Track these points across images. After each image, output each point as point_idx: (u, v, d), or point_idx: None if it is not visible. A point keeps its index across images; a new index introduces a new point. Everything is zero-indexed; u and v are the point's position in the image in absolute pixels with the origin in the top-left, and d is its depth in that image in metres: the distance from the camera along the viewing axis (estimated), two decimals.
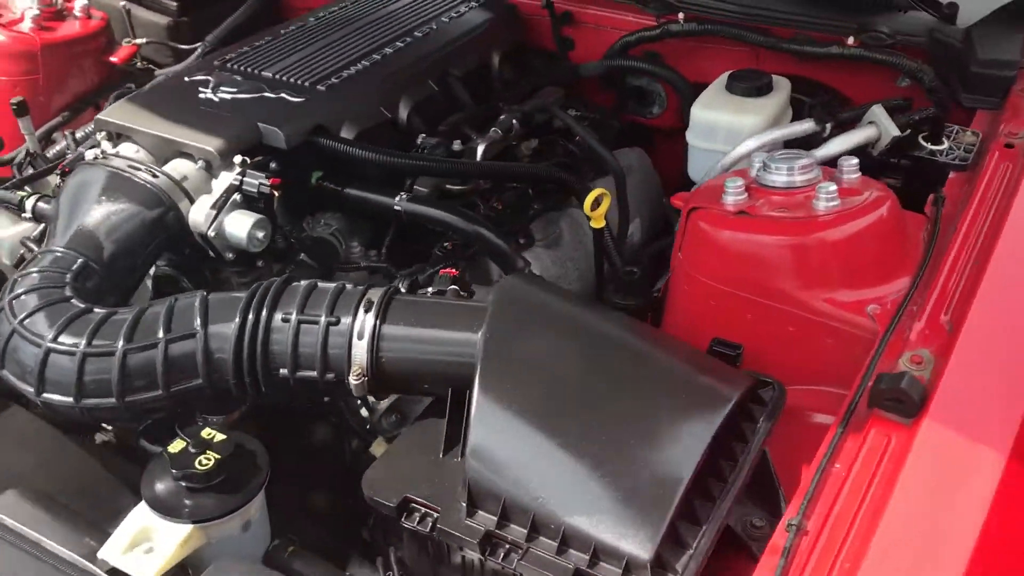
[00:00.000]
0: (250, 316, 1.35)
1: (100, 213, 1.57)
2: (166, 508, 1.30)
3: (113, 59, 2.46)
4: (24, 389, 1.39)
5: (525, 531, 1.18)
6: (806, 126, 1.79)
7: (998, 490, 1.12)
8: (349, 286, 1.39)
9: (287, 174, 1.66)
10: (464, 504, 1.22)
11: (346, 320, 1.34)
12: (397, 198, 1.69)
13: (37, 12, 2.38)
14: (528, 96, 2.13)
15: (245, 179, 1.57)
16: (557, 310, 1.37)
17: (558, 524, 1.16)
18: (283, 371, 1.36)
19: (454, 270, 1.51)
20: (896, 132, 1.74)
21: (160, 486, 1.32)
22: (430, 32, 2.13)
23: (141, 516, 1.31)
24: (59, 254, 1.50)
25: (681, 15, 2.11)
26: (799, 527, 1.15)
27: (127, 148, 1.68)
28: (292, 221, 1.72)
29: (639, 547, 1.13)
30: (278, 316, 1.35)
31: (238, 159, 1.61)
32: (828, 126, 1.79)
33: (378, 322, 1.34)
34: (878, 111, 1.77)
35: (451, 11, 2.22)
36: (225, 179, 1.60)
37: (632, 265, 1.79)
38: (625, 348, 1.35)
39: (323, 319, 1.34)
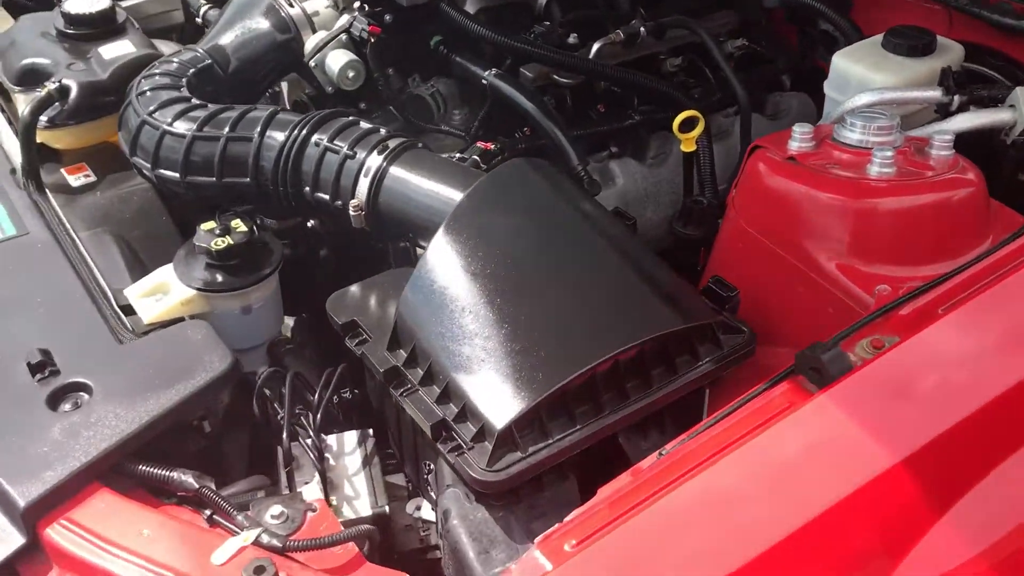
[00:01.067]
0: (293, 133, 1.53)
1: (240, 28, 1.82)
2: (182, 272, 1.54)
3: None
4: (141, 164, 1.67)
5: (420, 374, 1.28)
6: (931, 93, 1.62)
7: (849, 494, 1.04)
8: (383, 130, 1.53)
9: (406, 30, 1.81)
10: (387, 339, 1.34)
11: (361, 156, 1.48)
12: (487, 72, 1.77)
13: None
14: (698, 14, 2.08)
15: (354, 22, 1.74)
16: (541, 196, 1.41)
17: (445, 376, 1.25)
18: (307, 188, 1.54)
19: (490, 144, 1.59)
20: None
21: (186, 254, 1.57)
22: None
23: (165, 273, 1.56)
24: (195, 54, 1.76)
25: None
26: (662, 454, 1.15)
27: None
28: (403, 77, 1.87)
29: (496, 416, 1.19)
30: (313, 139, 1.52)
31: (357, 3, 1.78)
32: (956, 98, 1.61)
33: (384, 164, 1.46)
34: (1021, 94, 1.56)
35: None
36: (345, 20, 1.77)
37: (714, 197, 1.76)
38: (590, 249, 1.37)
39: (343, 150, 1.49)
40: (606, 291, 1.33)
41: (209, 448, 1.42)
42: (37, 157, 1.76)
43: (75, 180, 1.80)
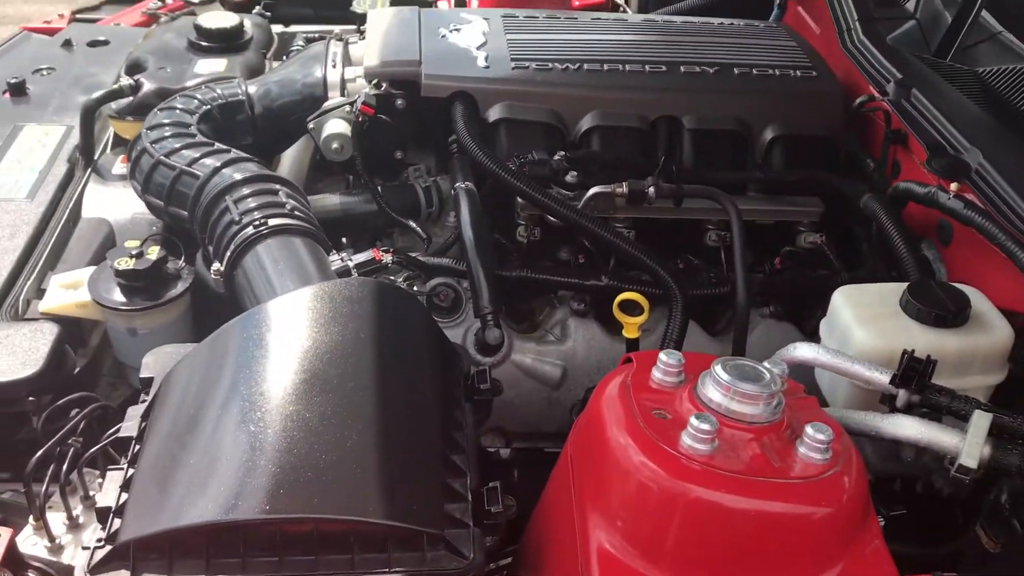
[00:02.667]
0: (211, 182, 1.58)
1: (284, 74, 1.90)
2: (94, 277, 1.64)
3: (575, 2, 2.66)
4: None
5: (130, 455, 1.25)
6: (876, 375, 1.25)
7: None
8: (287, 205, 1.52)
9: (420, 119, 1.77)
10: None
11: (243, 223, 1.49)
12: (462, 182, 1.66)
13: None
14: (780, 193, 1.80)
15: (361, 97, 1.72)
16: (351, 324, 1.29)
17: (135, 467, 1.21)
18: (205, 239, 1.57)
19: (380, 255, 1.50)
20: (973, 463, 1.12)
21: (110, 258, 1.66)
22: (724, 67, 1.89)
23: (86, 273, 1.67)
24: (231, 89, 1.86)
25: (954, 185, 1.53)
26: None
27: (357, 45, 1.94)
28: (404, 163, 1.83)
29: (127, 526, 1.13)
30: (226, 197, 1.55)
31: (375, 81, 1.76)
32: (905, 395, 1.22)
33: (251, 240, 1.46)
34: (977, 421, 1.14)
35: (770, 63, 1.92)
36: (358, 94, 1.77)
37: None
38: (351, 395, 1.22)
39: (234, 215, 1.51)
40: (330, 444, 1.19)
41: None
42: (92, 138, 1.97)
43: (118, 168, 1.98)
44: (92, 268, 1.68)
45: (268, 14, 2.53)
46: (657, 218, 1.75)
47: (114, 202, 1.91)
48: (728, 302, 1.67)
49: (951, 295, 1.40)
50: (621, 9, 2.69)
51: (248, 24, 2.21)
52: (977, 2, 1.97)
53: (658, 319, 1.67)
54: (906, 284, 1.43)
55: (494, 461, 1.75)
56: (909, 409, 1.25)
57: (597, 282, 1.65)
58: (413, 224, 1.73)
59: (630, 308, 1.54)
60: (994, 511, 1.23)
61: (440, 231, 1.82)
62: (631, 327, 1.54)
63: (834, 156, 1.86)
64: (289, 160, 2.02)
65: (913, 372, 1.23)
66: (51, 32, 2.52)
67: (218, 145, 1.69)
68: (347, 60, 1.92)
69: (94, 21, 2.63)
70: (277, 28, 2.50)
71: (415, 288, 1.63)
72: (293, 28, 2.51)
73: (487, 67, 1.82)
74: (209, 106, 1.82)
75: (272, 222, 1.48)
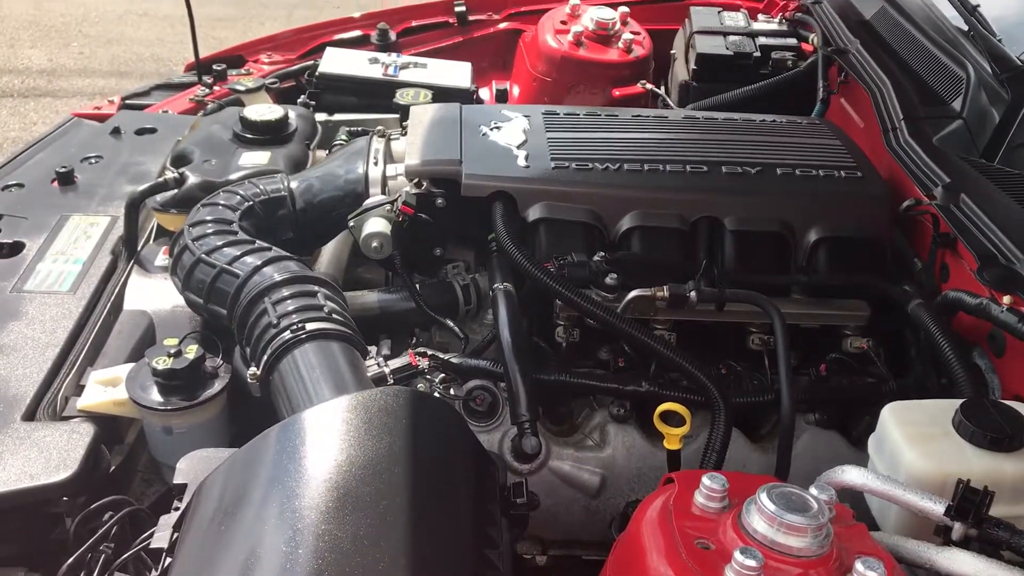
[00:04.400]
0: (251, 283, 1.58)
1: (327, 170, 1.91)
2: (132, 375, 1.64)
3: (616, 92, 2.67)
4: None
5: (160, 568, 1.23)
6: (929, 505, 1.19)
7: None
8: (326, 308, 1.51)
9: (461, 215, 1.78)
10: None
11: (282, 326, 1.48)
12: (501, 283, 1.65)
13: (582, 28, 2.71)
14: (819, 293, 1.77)
15: (401, 197, 1.73)
16: (384, 437, 1.26)
17: None
18: (243, 341, 1.57)
19: (417, 360, 1.49)
20: None
21: (148, 357, 1.66)
22: (767, 167, 1.87)
23: (125, 370, 1.67)
24: (274, 185, 1.87)
25: (1007, 299, 1.48)
26: None
27: (399, 141, 1.95)
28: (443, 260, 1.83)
29: None
30: (265, 298, 1.55)
31: (415, 180, 1.77)
32: (959, 527, 1.16)
33: (289, 345, 1.45)
34: None
35: (814, 163, 1.90)
36: (400, 192, 1.77)
37: None
38: (372, 518, 1.20)
39: (272, 317, 1.51)
40: (361, 567, 1.15)
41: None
42: (135, 230, 1.99)
43: (160, 260, 2.00)
44: (131, 365, 1.68)
45: (312, 103, 2.57)
46: (699, 320, 1.72)
47: (156, 294, 1.92)
48: (772, 409, 1.63)
49: (1007, 416, 1.34)
50: (660, 100, 2.69)
51: (292, 115, 2.24)
52: None
53: (700, 425, 1.64)
54: (958, 402, 1.38)
55: (530, 567, 1.71)
56: (966, 543, 1.19)
57: (637, 388, 1.62)
58: (451, 323, 1.72)
59: (672, 418, 1.50)
60: None
61: (478, 328, 1.81)
62: (672, 439, 1.50)
63: (881, 258, 1.82)
64: (330, 251, 2.03)
65: (970, 504, 1.18)
66: (101, 118, 2.57)
67: (259, 243, 1.70)
68: (389, 156, 1.94)
69: (143, 107, 2.69)
70: (321, 116, 2.54)
71: (451, 391, 1.61)
72: (337, 117, 2.54)
73: (527, 166, 1.81)
74: (251, 202, 1.83)
75: (309, 326, 1.47)
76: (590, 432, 1.68)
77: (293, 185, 1.88)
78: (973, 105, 1.98)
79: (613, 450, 1.65)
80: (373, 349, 1.64)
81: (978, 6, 2.37)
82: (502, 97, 2.65)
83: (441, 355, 1.60)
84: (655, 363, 1.64)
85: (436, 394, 1.59)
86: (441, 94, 2.47)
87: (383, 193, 1.84)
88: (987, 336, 1.63)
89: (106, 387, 1.67)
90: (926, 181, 1.78)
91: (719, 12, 2.80)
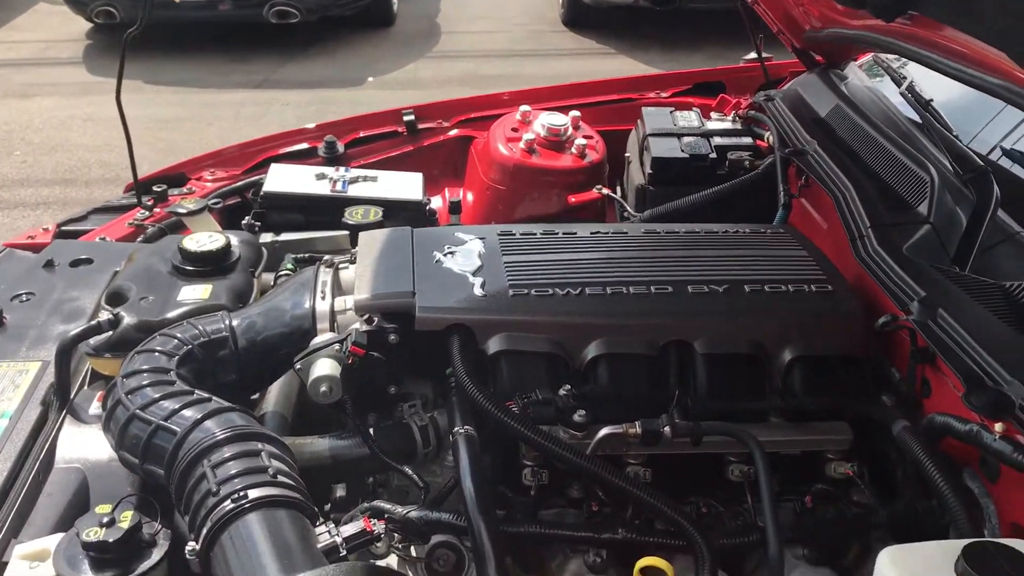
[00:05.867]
0: (187, 444, 1.45)
1: (270, 306, 1.80)
2: (61, 548, 1.48)
3: (571, 199, 2.61)
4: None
5: None
6: None
7: None
8: (270, 470, 1.38)
9: (416, 349, 1.68)
10: None
11: (222, 494, 1.35)
12: (457, 426, 1.54)
13: (534, 135, 2.66)
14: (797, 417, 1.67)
15: (351, 336, 1.62)
16: None
17: None
18: (182, 507, 1.43)
19: (372, 525, 1.36)
20: None
21: (79, 527, 1.51)
22: (734, 284, 1.80)
23: (53, 542, 1.52)
24: (215, 326, 1.74)
25: (999, 426, 1.40)
26: None
27: (348, 270, 1.85)
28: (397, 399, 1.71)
29: None
30: (203, 460, 1.42)
31: (366, 316, 1.66)
32: None
33: (231, 516, 1.32)
34: None
35: (782, 277, 1.82)
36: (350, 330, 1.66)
37: None
38: None
39: (212, 484, 1.38)
40: None
41: None
42: (68, 378, 1.85)
43: (95, 408, 1.86)
44: (60, 535, 1.53)
45: (258, 224, 2.46)
46: (674, 454, 1.62)
47: (90, 445, 1.76)
48: (757, 548, 1.52)
49: (1012, 560, 1.25)
50: (617, 205, 2.63)
51: (235, 242, 2.13)
52: (992, 203, 1.91)
53: (683, 569, 1.52)
54: (959, 544, 1.28)
55: None
56: None
57: (614, 535, 1.51)
58: (408, 471, 1.60)
59: (654, 573, 1.39)
60: None
61: (440, 470, 1.69)
62: None
63: (860, 376, 1.74)
64: (278, 387, 1.90)
65: None
66: (35, 248, 2.44)
67: (198, 394, 1.57)
68: (337, 288, 1.83)
69: (79, 234, 2.57)
70: (267, 237, 2.44)
71: (412, 551, 1.48)
72: (284, 237, 2.44)
73: (484, 295, 1.72)
74: (190, 345, 1.70)
75: (252, 494, 1.34)
76: None
77: (235, 323, 1.76)
78: (940, 208, 1.94)
79: None
80: (328, 505, 1.52)
81: (931, 100, 2.36)
82: (455, 208, 2.57)
83: (398, 512, 1.47)
84: (632, 506, 1.53)
85: (395, 556, 1.46)
86: (392, 208, 2.39)
87: (331, 329, 1.73)
88: (979, 460, 1.54)
89: (32, 562, 1.51)
90: (900, 295, 1.71)
91: (671, 112, 2.76)
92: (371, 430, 1.64)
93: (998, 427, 1.41)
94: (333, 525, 1.38)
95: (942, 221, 1.91)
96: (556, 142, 2.68)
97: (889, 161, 2.12)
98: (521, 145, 2.67)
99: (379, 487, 1.71)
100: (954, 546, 1.30)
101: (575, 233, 1.97)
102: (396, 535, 1.48)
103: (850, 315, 1.75)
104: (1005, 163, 2.13)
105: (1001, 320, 1.61)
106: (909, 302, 1.67)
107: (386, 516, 1.44)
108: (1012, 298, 1.66)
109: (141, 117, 6.33)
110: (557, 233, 1.96)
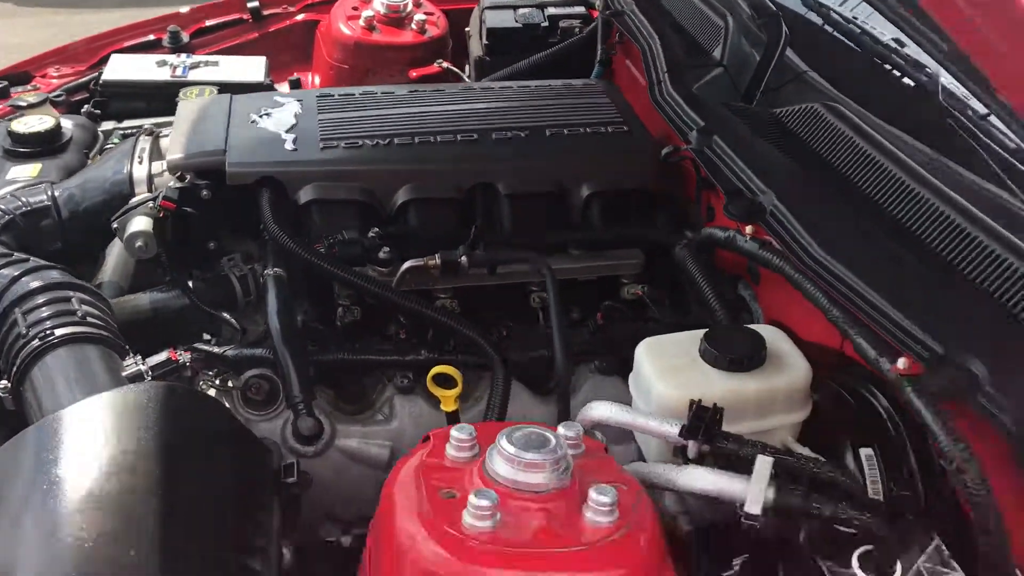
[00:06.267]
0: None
1: (90, 174, 1.87)
2: None
3: (413, 73, 2.68)
4: None
5: None
6: (666, 428, 1.24)
7: None
8: (79, 312, 1.47)
9: (232, 206, 1.76)
10: None
11: (31, 335, 1.45)
12: (271, 268, 1.65)
13: (374, 12, 2.71)
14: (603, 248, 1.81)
15: (162, 191, 1.70)
16: (134, 430, 1.24)
17: None
18: None
19: (177, 354, 1.47)
20: (757, 509, 1.12)
21: None
22: (536, 130, 1.91)
23: None
24: (37, 196, 1.81)
25: (749, 228, 1.55)
26: None
27: (167, 138, 1.91)
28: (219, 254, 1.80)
29: None
30: (16, 309, 1.50)
31: (179, 173, 1.73)
32: (693, 445, 1.22)
33: (38, 353, 1.41)
34: (761, 465, 1.14)
35: (583, 122, 1.95)
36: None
37: None
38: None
39: (22, 327, 1.46)
40: (105, 562, 1.13)
41: None
42: None
43: None
44: None
45: (98, 112, 2.48)
46: (479, 285, 1.74)
47: None
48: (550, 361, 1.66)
49: (745, 338, 1.41)
50: (459, 78, 2.71)
51: (68, 124, 2.16)
52: (780, 43, 2.03)
53: (486, 386, 1.66)
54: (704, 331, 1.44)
55: (336, 549, 1.70)
56: (701, 459, 1.25)
57: (416, 356, 1.63)
58: (226, 316, 1.69)
59: (446, 381, 1.52)
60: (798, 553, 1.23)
61: (262, 319, 1.78)
62: (448, 400, 1.53)
63: (651, 206, 1.88)
64: (114, 257, 1.97)
65: (700, 421, 1.23)
66: None
67: (16, 255, 1.64)
68: (157, 153, 1.89)
69: None
70: (108, 125, 2.46)
71: (229, 383, 1.59)
72: (126, 124, 2.46)
73: (295, 150, 1.80)
74: (11, 215, 1.76)
75: (59, 331, 1.43)
76: (380, 407, 1.68)
77: (57, 193, 1.82)
78: (733, 52, 2.06)
79: (400, 422, 1.65)
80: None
81: None
82: (296, 86, 2.62)
83: (205, 347, 1.57)
84: (432, 332, 1.65)
85: (212, 388, 1.57)
86: (231, 89, 2.43)
87: (150, 192, 1.80)
88: (747, 267, 1.70)
89: None
90: (683, 128, 1.84)
91: None
92: (191, 283, 1.73)
93: (748, 229, 1.56)
94: (140, 357, 1.47)
95: (736, 63, 2.04)
96: (396, 18, 2.74)
97: (693, 14, 2.24)
98: (361, 23, 2.72)
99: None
100: (701, 334, 1.45)
101: (393, 92, 2.05)
102: (214, 370, 1.58)
103: (642, 151, 1.88)
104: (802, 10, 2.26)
105: (770, 143, 1.75)
106: (689, 133, 1.80)
107: (191, 347, 1.54)
108: (782, 123, 1.80)
109: (21, 44, 6.13)
110: (376, 94, 2.04)
